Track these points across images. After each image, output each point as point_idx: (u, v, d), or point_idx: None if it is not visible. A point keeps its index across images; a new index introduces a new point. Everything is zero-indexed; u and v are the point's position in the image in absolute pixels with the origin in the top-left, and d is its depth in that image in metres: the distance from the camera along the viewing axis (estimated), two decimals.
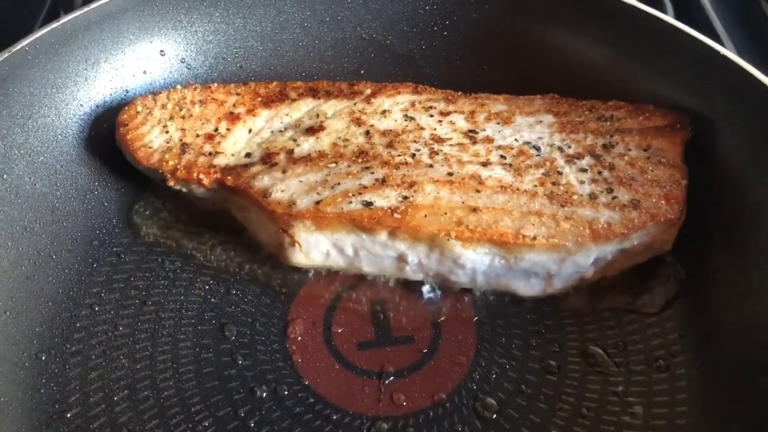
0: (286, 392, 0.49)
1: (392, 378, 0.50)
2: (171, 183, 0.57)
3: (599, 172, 0.54)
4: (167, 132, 0.58)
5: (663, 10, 0.72)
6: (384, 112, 0.60)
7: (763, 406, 0.46)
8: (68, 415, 0.47)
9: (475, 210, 0.52)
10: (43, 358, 0.50)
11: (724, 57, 0.55)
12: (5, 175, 0.53)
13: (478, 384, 0.50)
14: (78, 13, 0.58)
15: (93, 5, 0.59)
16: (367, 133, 0.59)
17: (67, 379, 0.49)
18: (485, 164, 0.55)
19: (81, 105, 0.58)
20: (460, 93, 0.64)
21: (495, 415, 0.48)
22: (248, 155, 0.57)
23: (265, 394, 0.49)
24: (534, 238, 0.51)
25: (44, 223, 0.55)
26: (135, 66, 0.62)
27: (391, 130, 0.59)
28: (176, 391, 0.48)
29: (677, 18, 0.63)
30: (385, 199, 0.53)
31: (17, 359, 0.49)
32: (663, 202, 0.53)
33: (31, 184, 0.55)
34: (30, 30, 0.72)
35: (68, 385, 0.49)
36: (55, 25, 0.57)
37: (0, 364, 0.48)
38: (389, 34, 0.68)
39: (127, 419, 0.47)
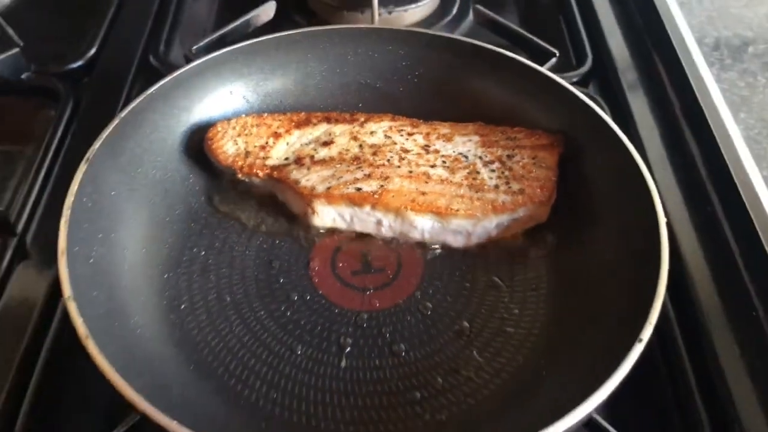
0: (308, 297, 0.70)
1: (371, 291, 0.71)
2: (239, 176, 0.76)
3: (502, 172, 0.74)
4: (236, 144, 0.77)
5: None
6: (372, 132, 0.79)
7: (596, 308, 0.66)
8: (181, 307, 0.68)
9: (424, 193, 0.72)
10: (165, 276, 0.70)
11: (586, 104, 0.77)
12: (139, 168, 0.74)
13: (421, 295, 0.70)
14: (174, 75, 0.78)
15: (185, 68, 0.80)
16: (360, 146, 0.77)
17: (180, 288, 0.69)
18: (433, 166, 0.75)
19: (183, 127, 0.79)
20: (421, 120, 0.80)
21: (430, 312, 0.69)
22: (287, 159, 0.77)
23: (296, 298, 0.70)
24: (458, 210, 0.71)
25: (162, 199, 0.75)
26: (215, 103, 0.82)
27: (376, 144, 0.77)
28: (244, 295, 0.70)
29: None
30: (369, 186, 0.72)
31: (151, 278, 0.70)
32: (539, 190, 0.72)
33: (153, 175, 0.75)
34: (128, 72, 0.99)
35: (181, 291, 0.69)
36: (163, 82, 0.77)
37: (144, 280, 0.69)
38: (378, 80, 0.86)
39: (216, 311, 0.68)
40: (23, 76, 0.97)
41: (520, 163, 0.76)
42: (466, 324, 0.69)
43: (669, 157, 0.89)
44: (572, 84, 0.92)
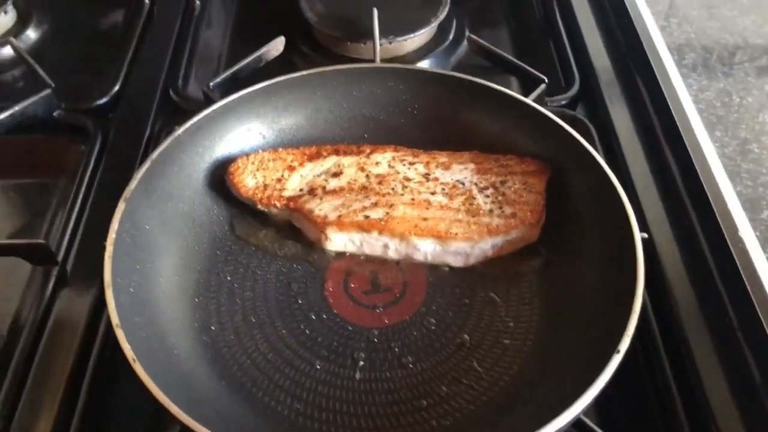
0: (324, 316, 0.75)
1: (380, 309, 0.77)
2: (258, 206, 0.82)
3: (496, 197, 0.80)
4: (255, 178, 0.83)
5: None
6: (377, 163, 0.84)
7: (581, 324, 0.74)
8: (212, 328, 0.74)
9: (425, 219, 0.78)
10: (196, 300, 0.76)
11: (570, 134, 0.82)
12: (169, 203, 0.80)
13: (426, 311, 0.76)
14: (197, 117, 0.84)
15: (207, 110, 0.84)
16: (367, 176, 0.83)
17: (210, 311, 0.75)
18: (433, 193, 0.81)
19: (206, 164, 0.85)
20: (421, 150, 0.86)
21: (434, 327, 0.75)
22: (301, 190, 0.82)
23: (314, 317, 0.75)
24: (456, 234, 0.77)
25: (190, 230, 0.82)
26: (234, 140, 0.88)
27: (381, 174, 0.83)
28: (267, 316, 0.76)
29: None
30: (376, 214, 0.79)
31: (184, 302, 0.76)
32: (529, 213, 0.78)
33: (181, 208, 0.81)
34: (150, 106, 1.06)
35: (210, 313, 0.76)
36: (188, 125, 0.83)
37: (177, 304, 0.75)
38: (381, 113, 0.92)
39: (243, 331, 0.74)
40: (55, 114, 1.05)
41: (512, 189, 0.82)
42: (466, 337, 0.75)
43: (651, 175, 0.97)
44: (561, 106, 1.01)
